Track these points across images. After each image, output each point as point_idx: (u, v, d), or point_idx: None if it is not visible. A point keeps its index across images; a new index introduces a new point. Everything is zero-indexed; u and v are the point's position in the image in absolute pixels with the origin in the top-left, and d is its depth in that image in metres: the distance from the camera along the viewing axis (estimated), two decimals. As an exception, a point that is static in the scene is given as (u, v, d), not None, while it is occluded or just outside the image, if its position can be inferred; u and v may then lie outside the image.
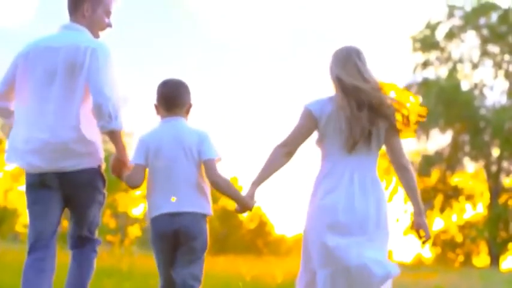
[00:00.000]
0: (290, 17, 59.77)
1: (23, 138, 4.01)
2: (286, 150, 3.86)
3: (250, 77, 59.83)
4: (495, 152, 35.03)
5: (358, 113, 3.72)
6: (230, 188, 4.04)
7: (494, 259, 33.67)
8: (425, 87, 34.85)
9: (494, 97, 35.23)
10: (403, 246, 36.21)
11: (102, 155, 4.13)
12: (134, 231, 36.33)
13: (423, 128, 34.87)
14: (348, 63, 3.86)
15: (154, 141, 4.07)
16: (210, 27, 59.26)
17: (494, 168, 34.94)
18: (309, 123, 3.83)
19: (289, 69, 60.52)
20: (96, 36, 4.16)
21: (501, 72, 35.34)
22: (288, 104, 57.37)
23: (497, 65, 35.31)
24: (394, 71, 39.60)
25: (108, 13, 4.19)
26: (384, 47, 57.90)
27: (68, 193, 4.07)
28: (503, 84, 35.31)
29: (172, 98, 4.11)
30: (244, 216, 41.54)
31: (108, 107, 3.83)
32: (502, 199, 34.84)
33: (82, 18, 4.11)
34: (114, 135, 3.93)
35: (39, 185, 4.04)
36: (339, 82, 3.83)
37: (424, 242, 3.92)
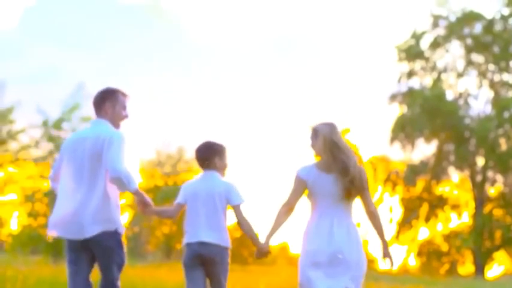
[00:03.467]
0: (275, 25, 59.85)
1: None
2: (287, 208, 5.11)
3: (234, 82, 59.92)
4: (480, 161, 35.17)
5: (341, 177, 4.99)
6: (251, 231, 5.41)
7: (479, 268, 33.74)
8: (410, 96, 34.98)
9: (478, 107, 35.42)
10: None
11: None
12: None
13: (408, 137, 34.99)
14: (329, 141, 5.02)
15: (194, 188, 5.47)
16: (192, 34, 59.23)
17: (479, 177, 35.07)
18: (300, 186, 5.08)
19: (273, 74, 60.62)
20: (117, 126, 5.20)
21: (485, 82, 35.55)
22: (271, 107, 57.36)
23: (482, 75, 35.52)
24: (379, 80, 39.81)
25: (124, 108, 5.24)
26: (369, 57, 58.21)
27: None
28: (487, 93, 35.55)
29: (202, 160, 5.52)
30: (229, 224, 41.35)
31: (121, 179, 4.85)
32: (487, 208, 34.97)
33: (105, 114, 5.16)
34: (132, 193, 5.05)
35: None
36: (327, 154, 5.01)
37: (390, 267, 5.24)
